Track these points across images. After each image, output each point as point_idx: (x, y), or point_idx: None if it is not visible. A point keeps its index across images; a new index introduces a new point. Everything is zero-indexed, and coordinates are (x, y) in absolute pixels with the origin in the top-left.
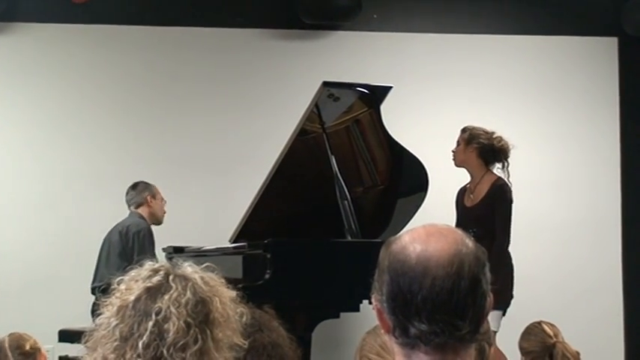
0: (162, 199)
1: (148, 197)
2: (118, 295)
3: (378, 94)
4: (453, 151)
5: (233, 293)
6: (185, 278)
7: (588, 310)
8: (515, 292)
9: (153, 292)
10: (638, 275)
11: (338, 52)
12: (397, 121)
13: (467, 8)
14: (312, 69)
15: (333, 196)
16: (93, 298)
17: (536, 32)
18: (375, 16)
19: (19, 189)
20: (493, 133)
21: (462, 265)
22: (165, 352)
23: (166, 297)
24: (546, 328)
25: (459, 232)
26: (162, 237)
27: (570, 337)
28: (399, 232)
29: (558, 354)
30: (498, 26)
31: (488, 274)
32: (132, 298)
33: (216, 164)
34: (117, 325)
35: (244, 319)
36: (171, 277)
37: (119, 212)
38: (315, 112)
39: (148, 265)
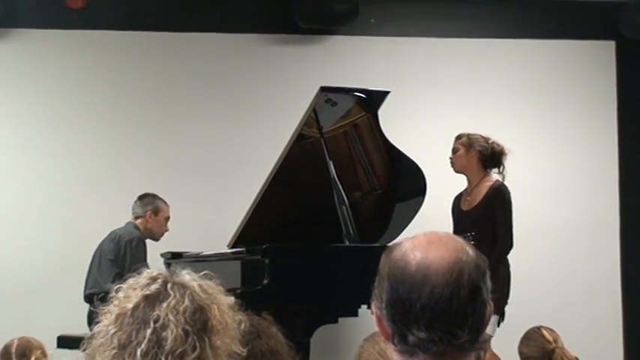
0: (167, 218)
1: (149, 213)
2: (116, 303)
3: (375, 98)
4: (450, 158)
5: (231, 300)
6: (183, 286)
7: (587, 313)
8: (513, 295)
9: (151, 300)
10: (637, 277)
11: (335, 56)
12: (395, 126)
13: (465, 12)
14: (309, 74)
15: (331, 200)
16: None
17: (533, 36)
18: (372, 20)
19: (18, 195)
20: (489, 138)
21: (461, 274)
22: (163, 359)
23: (164, 305)
24: (546, 333)
25: (460, 240)
26: (160, 242)
27: (569, 340)
28: (397, 236)
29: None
30: (496, 30)
31: (488, 283)
32: (130, 305)
33: (214, 169)
34: (115, 332)
35: (243, 326)
36: (169, 285)
37: (118, 219)
38: (312, 117)
39: (146, 273)
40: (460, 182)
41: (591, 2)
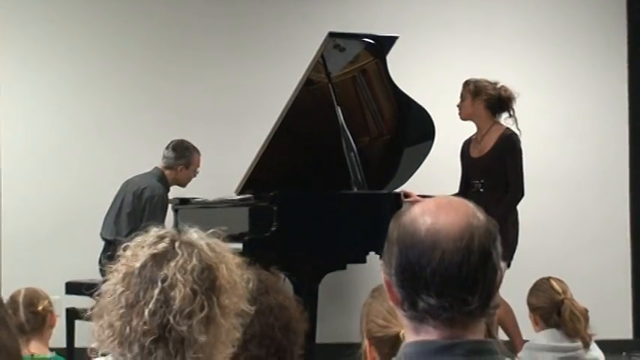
0: (197, 167)
1: (180, 167)
2: (123, 261)
3: (384, 43)
4: (458, 106)
5: (239, 259)
6: (191, 245)
7: (595, 260)
8: (521, 242)
9: (159, 259)
10: None
11: (343, 1)
12: (403, 71)
13: None
14: (317, 18)
15: (339, 146)
16: (100, 251)
17: None
18: None
19: (26, 143)
20: (497, 82)
21: (472, 239)
22: (171, 319)
23: (172, 264)
24: (554, 284)
25: (471, 204)
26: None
27: (577, 287)
28: (405, 182)
29: (566, 310)
30: None
31: (499, 248)
32: (137, 265)
33: (222, 115)
34: (122, 292)
35: (251, 285)
36: (177, 244)
37: (126, 165)
38: (320, 63)
39: (154, 231)
40: (470, 128)
41: None
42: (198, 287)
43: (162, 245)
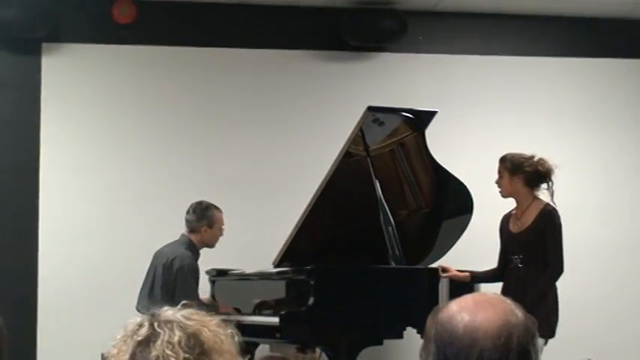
0: (222, 227)
1: (203, 228)
2: None
3: (423, 118)
4: (496, 183)
5: (217, 319)
6: (169, 321)
7: (631, 334)
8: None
9: (144, 344)
10: None
11: (383, 74)
12: (442, 145)
13: (512, 30)
14: (357, 91)
15: (377, 220)
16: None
17: (581, 54)
18: (420, 37)
19: (64, 210)
20: (533, 156)
21: (510, 337)
22: None
23: (158, 343)
24: None
25: (508, 301)
26: (206, 259)
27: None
28: (443, 256)
29: None
30: (544, 48)
31: (537, 345)
32: (127, 357)
33: (261, 187)
34: None
35: (237, 338)
36: (156, 325)
37: (163, 235)
38: (359, 136)
39: (131, 322)
40: (508, 202)
41: None
42: (190, 355)
43: (143, 331)
